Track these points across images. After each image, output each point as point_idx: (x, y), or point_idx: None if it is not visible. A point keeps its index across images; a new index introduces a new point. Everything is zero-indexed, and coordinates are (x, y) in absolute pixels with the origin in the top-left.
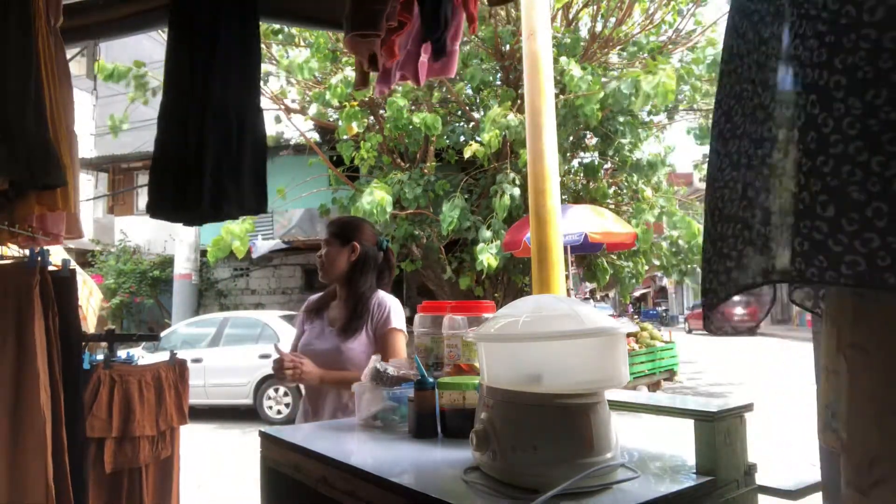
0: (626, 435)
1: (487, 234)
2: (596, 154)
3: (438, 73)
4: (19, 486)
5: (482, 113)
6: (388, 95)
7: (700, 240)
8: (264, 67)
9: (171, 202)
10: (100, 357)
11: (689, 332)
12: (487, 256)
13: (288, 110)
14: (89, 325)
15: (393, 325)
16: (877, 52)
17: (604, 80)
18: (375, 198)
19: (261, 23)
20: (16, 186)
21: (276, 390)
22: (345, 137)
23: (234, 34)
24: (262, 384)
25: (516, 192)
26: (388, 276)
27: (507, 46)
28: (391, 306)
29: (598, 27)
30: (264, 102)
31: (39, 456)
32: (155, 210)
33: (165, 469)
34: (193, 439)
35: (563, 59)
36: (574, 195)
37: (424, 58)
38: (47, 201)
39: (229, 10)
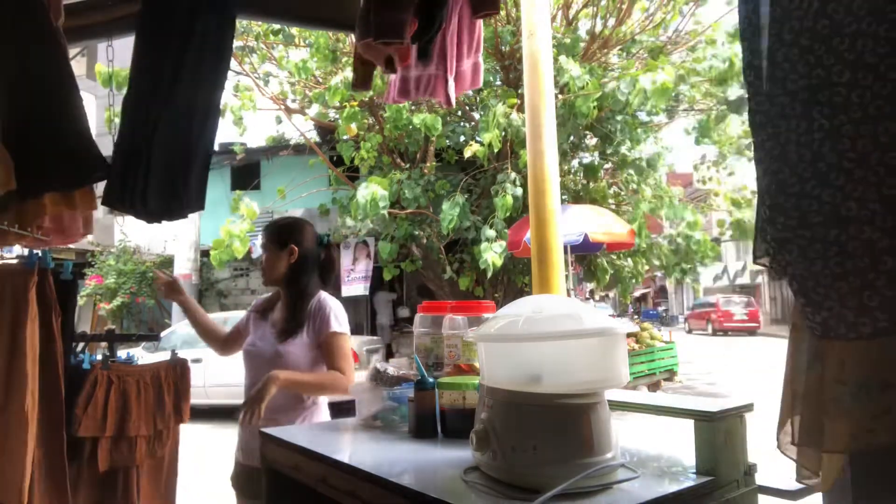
0: (626, 435)
1: (491, 232)
2: (596, 154)
3: (470, 86)
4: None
5: (482, 113)
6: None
7: (699, 233)
8: (264, 67)
9: (125, 195)
10: (99, 357)
11: (689, 332)
12: (492, 255)
13: (288, 110)
14: None
15: (332, 329)
16: None
17: (604, 80)
18: (370, 191)
19: (240, 19)
20: (32, 188)
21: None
22: (345, 138)
23: (211, 28)
24: None
25: (518, 191)
26: (330, 274)
27: (507, 46)
28: (331, 308)
29: (598, 27)
30: (264, 102)
31: (19, 459)
32: (111, 201)
33: (163, 468)
34: (193, 439)
35: (562, 58)
36: (574, 195)
37: (451, 79)
38: (71, 201)
39: (209, 2)
